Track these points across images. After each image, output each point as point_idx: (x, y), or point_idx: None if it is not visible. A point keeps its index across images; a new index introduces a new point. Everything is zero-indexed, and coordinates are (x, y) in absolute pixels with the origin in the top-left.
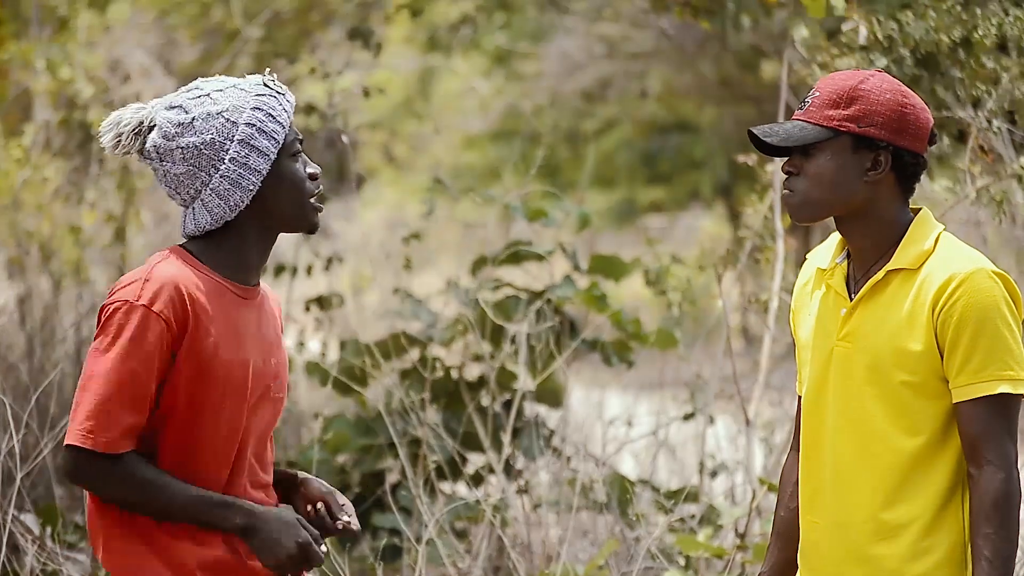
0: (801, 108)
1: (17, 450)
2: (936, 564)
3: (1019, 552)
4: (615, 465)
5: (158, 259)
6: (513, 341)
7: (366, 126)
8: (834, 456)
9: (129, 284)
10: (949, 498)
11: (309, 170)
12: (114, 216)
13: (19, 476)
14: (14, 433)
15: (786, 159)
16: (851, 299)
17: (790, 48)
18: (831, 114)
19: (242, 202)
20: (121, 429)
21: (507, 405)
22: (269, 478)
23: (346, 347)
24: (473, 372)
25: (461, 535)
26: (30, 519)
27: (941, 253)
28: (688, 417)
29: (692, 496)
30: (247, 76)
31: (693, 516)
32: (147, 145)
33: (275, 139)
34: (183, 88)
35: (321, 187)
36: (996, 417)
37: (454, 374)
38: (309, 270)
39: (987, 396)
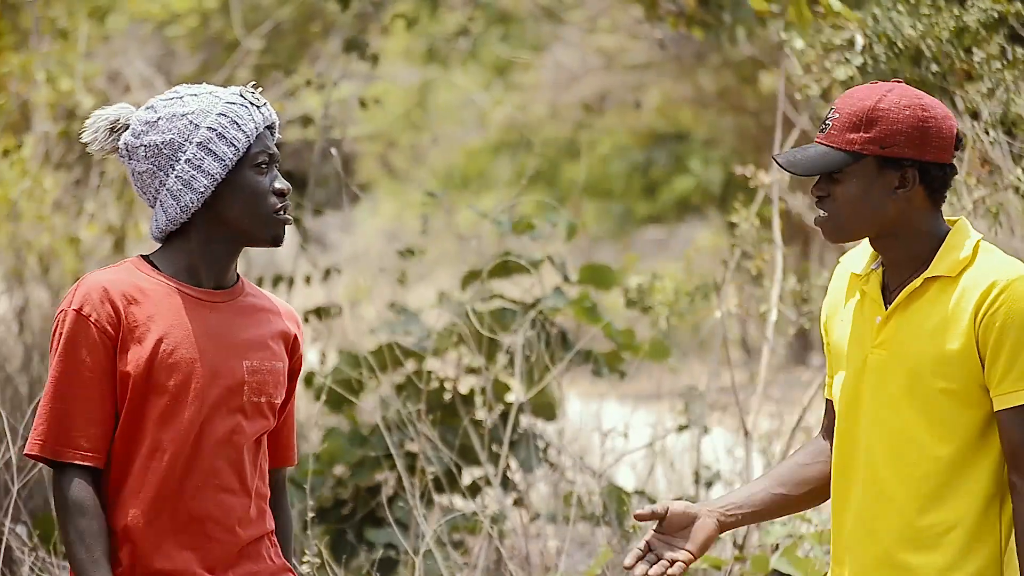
0: (822, 131)
1: (14, 461)
2: (974, 573)
3: None
4: (612, 477)
5: (105, 267)
6: (507, 351)
7: (365, 138)
8: (868, 463)
9: (68, 294)
10: (987, 506)
11: (277, 185)
12: (113, 227)
13: (15, 488)
14: (10, 444)
15: (814, 183)
16: (886, 307)
17: (785, 58)
18: (852, 137)
19: (192, 204)
20: (69, 435)
21: (503, 417)
22: (259, 486)
23: (341, 359)
24: (468, 384)
25: (458, 547)
26: (25, 531)
27: (981, 261)
28: (683, 428)
29: None
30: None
31: None
32: (119, 143)
33: (235, 146)
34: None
35: (288, 204)
36: None
37: (448, 387)
38: (308, 280)
39: None
